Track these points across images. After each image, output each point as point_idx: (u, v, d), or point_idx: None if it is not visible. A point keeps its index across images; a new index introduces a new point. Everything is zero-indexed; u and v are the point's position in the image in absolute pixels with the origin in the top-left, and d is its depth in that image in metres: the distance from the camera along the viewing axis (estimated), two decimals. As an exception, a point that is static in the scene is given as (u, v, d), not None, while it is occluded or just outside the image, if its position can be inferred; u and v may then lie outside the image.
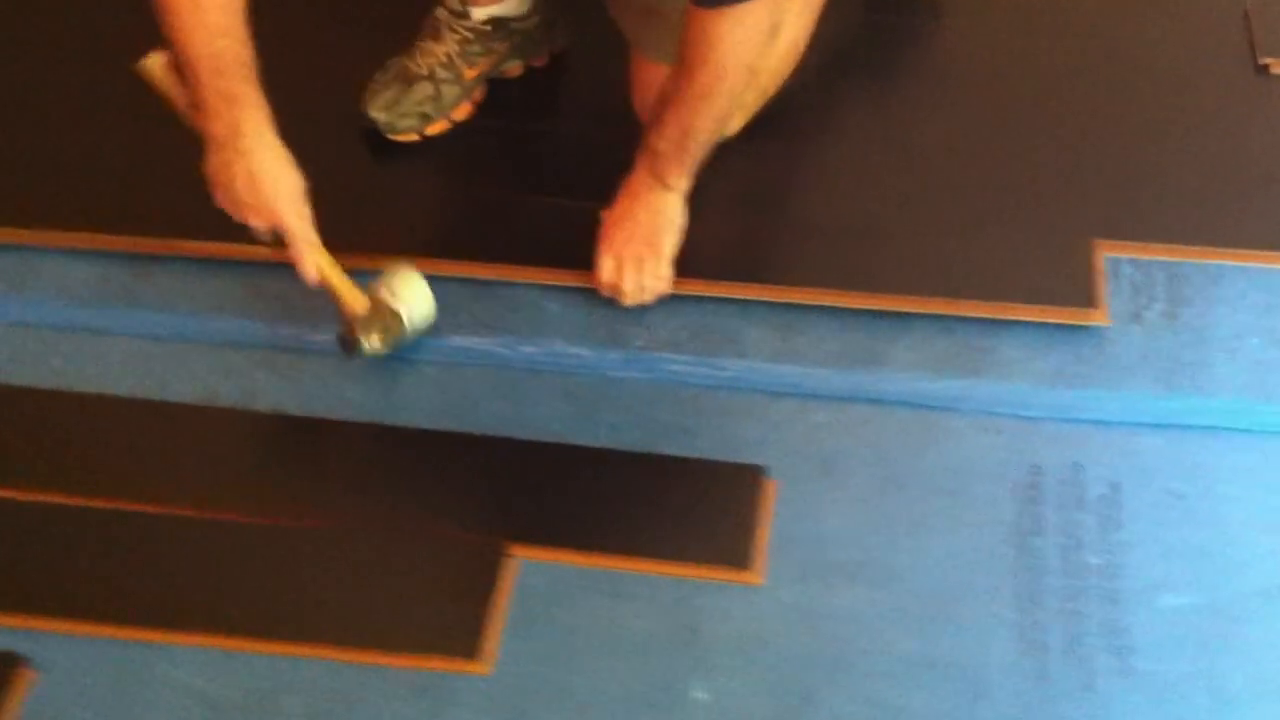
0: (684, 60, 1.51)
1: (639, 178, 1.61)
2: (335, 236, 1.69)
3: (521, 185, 1.78)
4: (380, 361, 1.60)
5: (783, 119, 1.82)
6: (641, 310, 1.64)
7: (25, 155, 1.81)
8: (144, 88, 1.59)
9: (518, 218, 1.74)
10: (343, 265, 1.58)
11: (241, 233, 1.68)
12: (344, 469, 1.52)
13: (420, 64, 1.80)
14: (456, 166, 1.80)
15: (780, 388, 1.57)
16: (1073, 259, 1.66)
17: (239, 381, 1.61)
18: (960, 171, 1.77)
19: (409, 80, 1.80)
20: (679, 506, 1.47)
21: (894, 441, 1.52)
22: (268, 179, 1.49)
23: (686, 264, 1.65)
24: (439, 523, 1.46)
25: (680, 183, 1.60)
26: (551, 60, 1.91)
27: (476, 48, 1.80)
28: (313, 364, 1.62)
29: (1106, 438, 1.51)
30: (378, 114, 1.79)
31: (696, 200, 1.71)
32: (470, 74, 1.81)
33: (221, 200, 1.52)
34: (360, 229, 1.70)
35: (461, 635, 1.36)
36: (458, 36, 1.79)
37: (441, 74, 1.80)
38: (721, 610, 1.39)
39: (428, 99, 1.79)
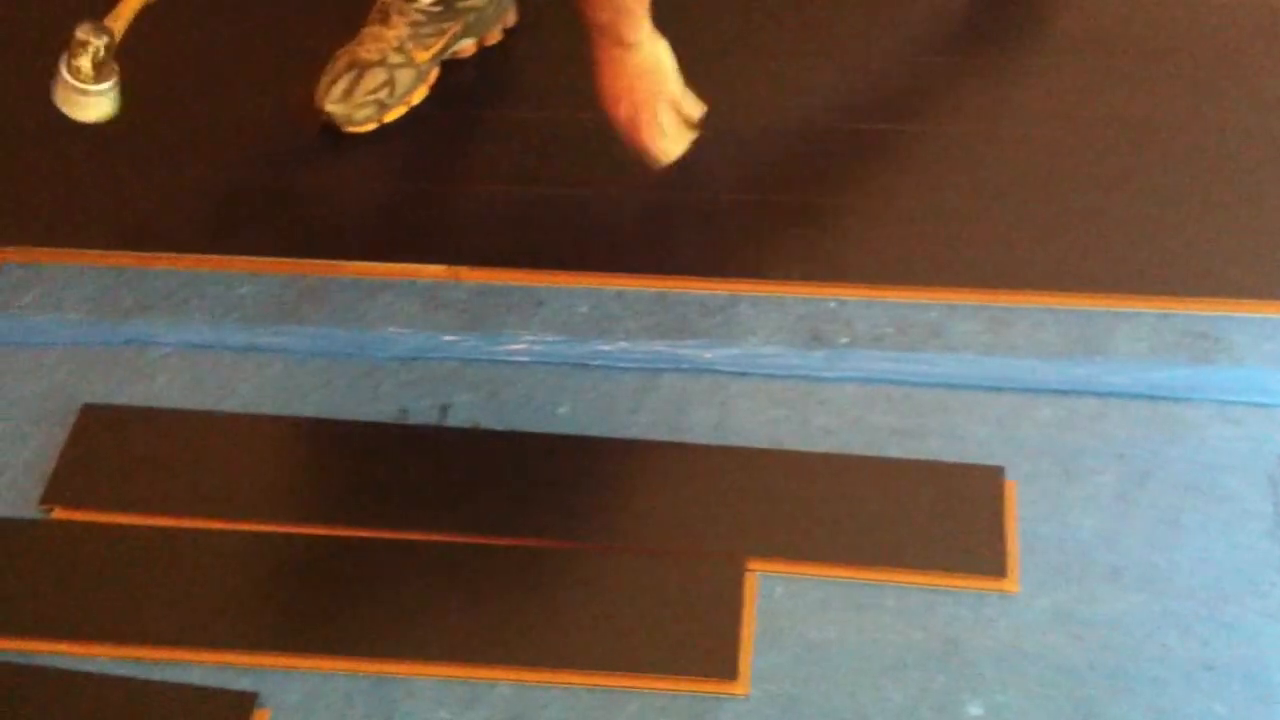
0: None
1: (605, 58, 1.55)
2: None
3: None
4: (580, 370, 1.54)
5: (942, 100, 1.77)
6: (839, 305, 1.58)
7: (183, 183, 1.75)
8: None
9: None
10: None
11: (410, 254, 1.65)
12: (561, 485, 1.46)
13: (371, 50, 1.74)
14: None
15: (998, 382, 1.51)
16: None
17: (431, 399, 1.54)
18: (1133, 147, 1.70)
19: (361, 69, 1.74)
20: (919, 512, 1.40)
21: (1131, 436, 1.45)
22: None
23: (881, 266, 1.60)
24: (671, 538, 1.40)
25: (642, 34, 1.54)
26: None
27: (428, 30, 1.75)
28: (508, 376, 1.55)
29: (1352, 423, 1.45)
30: (333, 107, 1.73)
31: (875, 197, 1.65)
32: (423, 57, 1.76)
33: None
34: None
35: (716, 656, 1.30)
36: (408, 20, 1.74)
37: (394, 59, 1.74)
38: (980, 620, 1.33)
39: (382, 86, 1.74)
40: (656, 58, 1.57)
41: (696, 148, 1.68)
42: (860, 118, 1.76)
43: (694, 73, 1.79)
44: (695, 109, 1.62)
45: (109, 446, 1.49)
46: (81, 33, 1.45)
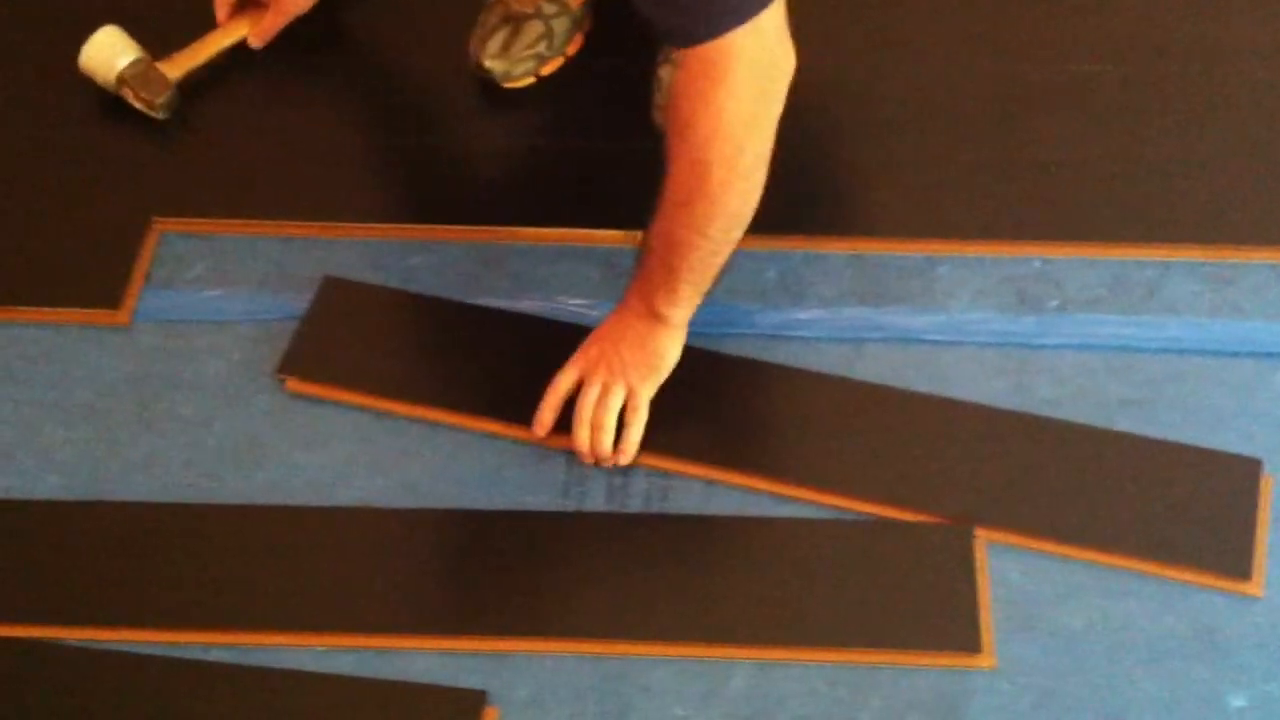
0: (667, 150, 1.26)
1: (629, 299, 1.38)
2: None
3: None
4: (777, 340, 1.48)
5: (1150, 39, 1.68)
6: (1044, 265, 1.51)
7: (340, 149, 1.67)
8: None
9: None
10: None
11: (584, 218, 1.57)
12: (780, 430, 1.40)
13: (524, 1, 1.66)
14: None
15: (1229, 346, 1.44)
16: None
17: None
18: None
19: (516, 21, 1.65)
20: (1159, 494, 1.33)
21: (1380, 405, 1.38)
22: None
23: (1087, 221, 1.52)
24: (894, 496, 1.34)
25: (673, 313, 1.35)
26: None
27: None
28: (701, 344, 1.48)
29: None
30: (493, 63, 1.65)
31: (1076, 147, 1.56)
32: (578, 3, 1.67)
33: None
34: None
35: (956, 627, 1.25)
36: None
37: (549, 9, 1.66)
38: (1234, 608, 1.27)
39: (540, 39, 1.66)
40: (666, 347, 1.37)
41: (881, 97, 1.63)
42: (1060, 61, 1.67)
43: (903, 22, 1.70)
44: (636, 427, 1.36)
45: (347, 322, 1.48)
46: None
